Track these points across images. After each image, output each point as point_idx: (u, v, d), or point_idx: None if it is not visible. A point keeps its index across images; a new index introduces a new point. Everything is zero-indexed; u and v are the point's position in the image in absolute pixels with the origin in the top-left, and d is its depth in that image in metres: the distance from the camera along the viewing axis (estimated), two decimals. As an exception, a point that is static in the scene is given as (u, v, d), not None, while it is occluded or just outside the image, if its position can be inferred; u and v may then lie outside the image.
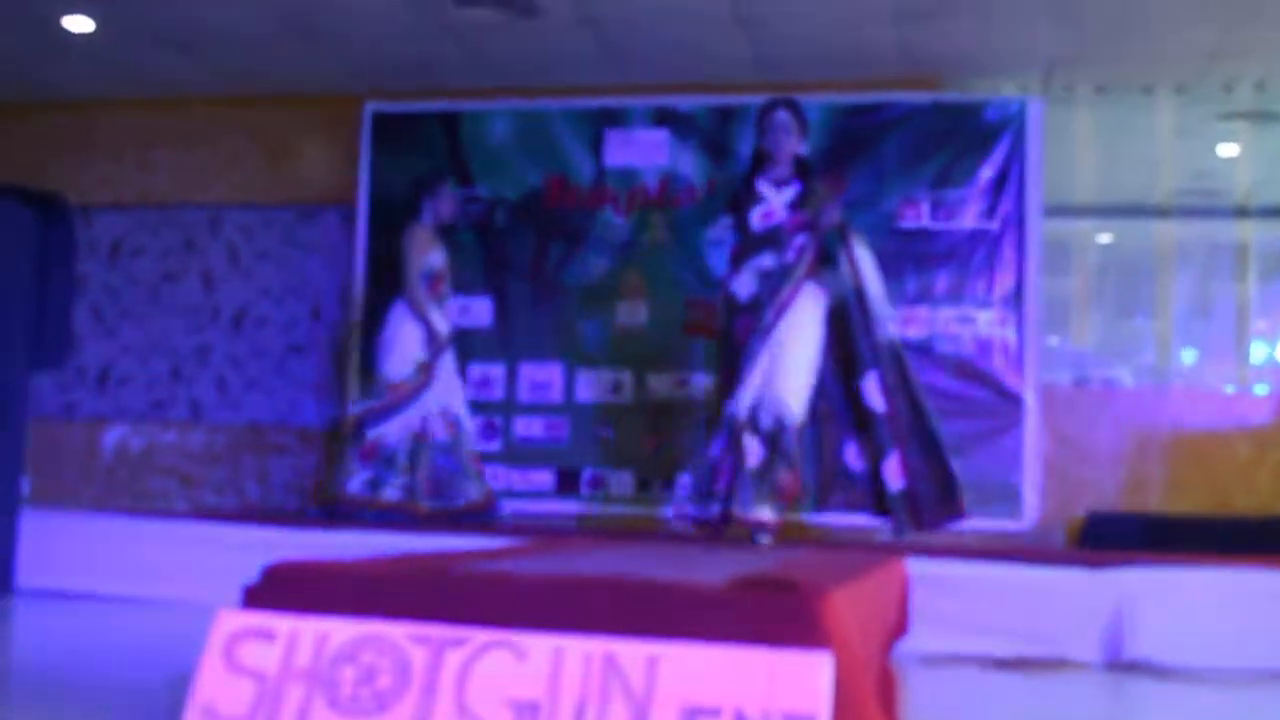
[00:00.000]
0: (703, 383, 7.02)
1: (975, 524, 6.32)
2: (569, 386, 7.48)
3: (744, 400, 5.23)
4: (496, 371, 7.56)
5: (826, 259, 5.44)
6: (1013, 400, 7.00)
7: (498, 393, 7.55)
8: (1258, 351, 9.35)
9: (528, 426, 7.51)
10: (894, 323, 5.57)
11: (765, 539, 5.08)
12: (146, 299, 8.19)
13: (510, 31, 6.93)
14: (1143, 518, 6.87)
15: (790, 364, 5.25)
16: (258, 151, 8.15)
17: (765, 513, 5.09)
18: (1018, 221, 7.14)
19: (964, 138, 7.20)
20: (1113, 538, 6.70)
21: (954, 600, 3.75)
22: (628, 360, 7.41)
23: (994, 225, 7.14)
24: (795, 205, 5.43)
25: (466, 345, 7.57)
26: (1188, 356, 9.39)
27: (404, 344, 6.41)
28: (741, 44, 6.92)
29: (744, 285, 5.43)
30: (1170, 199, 8.71)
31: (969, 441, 6.57)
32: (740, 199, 5.56)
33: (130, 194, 8.27)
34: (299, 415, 7.91)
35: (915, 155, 7.22)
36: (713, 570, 2.66)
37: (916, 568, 3.75)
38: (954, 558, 4.32)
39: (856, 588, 2.48)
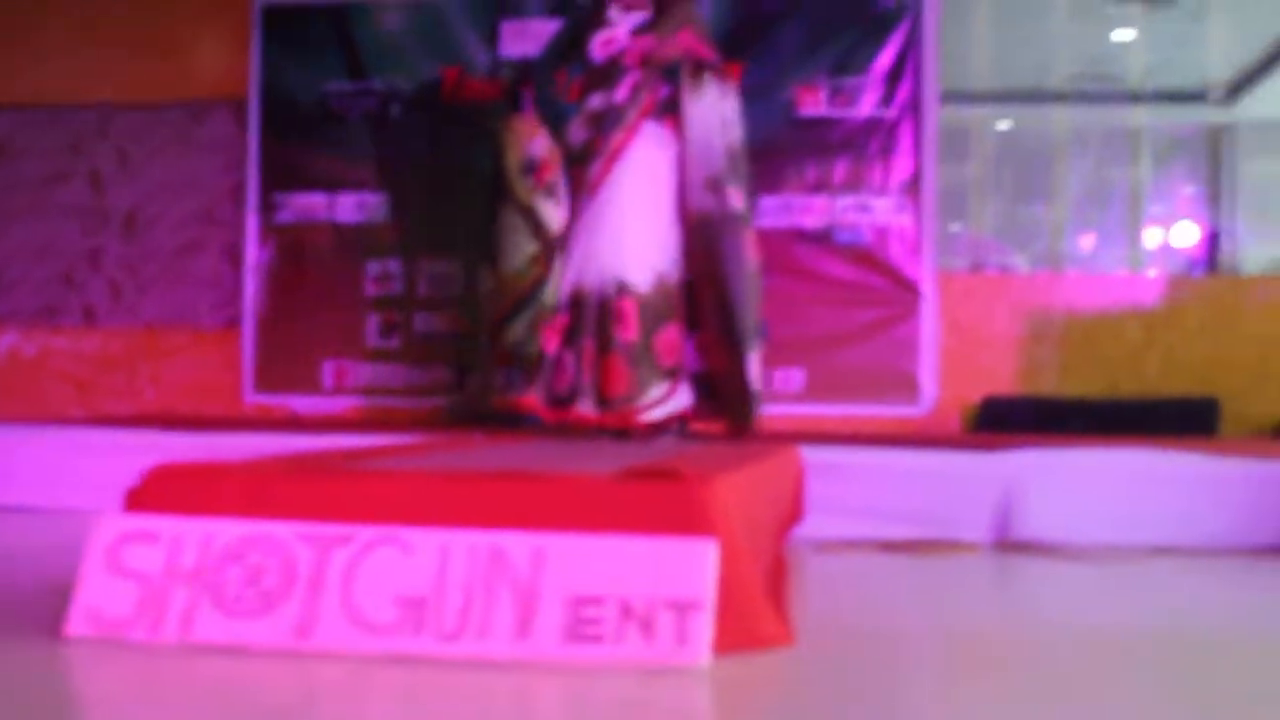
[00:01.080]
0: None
1: (873, 410, 6.43)
2: (468, 280, 7.43)
3: (577, 272, 4.48)
4: (395, 266, 7.50)
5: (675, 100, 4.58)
6: (910, 288, 7.07)
7: (398, 287, 7.49)
8: (1151, 236, 9.51)
9: (427, 322, 7.47)
10: (723, 188, 4.50)
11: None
12: (32, 202, 8.00)
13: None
14: (1036, 401, 7.00)
15: (617, 225, 4.43)
16: (145, 48, 7.93)
17: (579, 407, 4.41)
18: (914, 108, 7.16)
19: (861, 24, 7.17)
20: (1007, 421, 6.83)
21: (848, 486, 3.81)
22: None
23: (891, 113, 7.16)
24: (638, 32, 4.60)
25: (364, 241, 7.53)
26: (1084, 242, 9.52)
27: (512, 239, 6.27)
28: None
29: (575, 133, 4.61)
30: (1065, 84, 8.77)
31: (867, 330, 6.65)
32: (584, 26, 4.70)
33: (11, 93, 8.03)
34: (194, 316, 7.80)
35: (813, 42, 7.19)
36: (602, 462, 2.68)
37: (811, 455, 3.79)
38: (848, 445, 4.38)
39: (744, 476, 2.51)
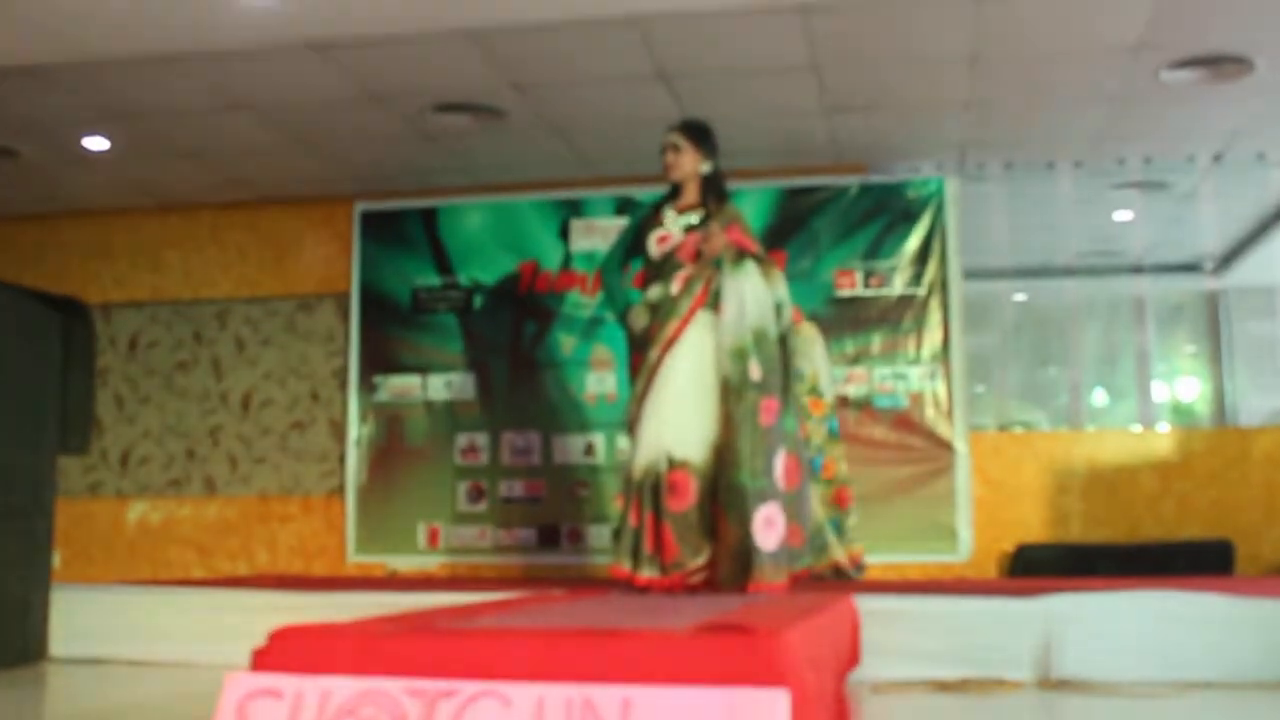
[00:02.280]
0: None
1: (917, 558, 6.35)
2: (546, 451, 7.46)
3: (637, 456, 4.51)
4: (481, 439, 7.54)
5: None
6: (945, 447, 7.02)
7: (484, 458, 7.52)
8: (1158, 391, 9.44)
9: (510, 488, 7.48)
10: (746, 359, 4.45)
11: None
12: (162, 386, 8.14)
13: (482, 135, 6.95)
14: (1064, 547, 6.88)
15: (670, 404, 4.46)
16: (260, 250, 8.14)
17: (644, 572, 4.38)
18: (941, 285, 7.18)
19: (889, 214, 7.27)
20: (1039, 566, 6.71)
21: (900, 631, 3.73)
22: (598, 425, 7.40)
23: (921, 290, 7.19)
24: (689, 230, 4.68)
25: (454, 417, 7.58)
26: (1097, 399, 9.46)
27: None
28: (688, 139, 6.98)
29: (638, 319, 4.71)
30: (1074, 260, 8.81)
31: (908, 485, 6.60)
32: (644, 227, 4.80)
33: (144, 292, 8.24)
34: (302, 486, 7.85)
35: (847, 231, 7.28)
36: (678, 617, 2.64)
37: (864, 604, 3.73)
38: (898, 592, 4.31)
39: (808, 626, 2.47)
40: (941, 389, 7.08)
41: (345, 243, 7.97)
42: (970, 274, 7.41)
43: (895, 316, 7.18)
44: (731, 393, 4.41)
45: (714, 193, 4.76)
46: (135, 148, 7.17)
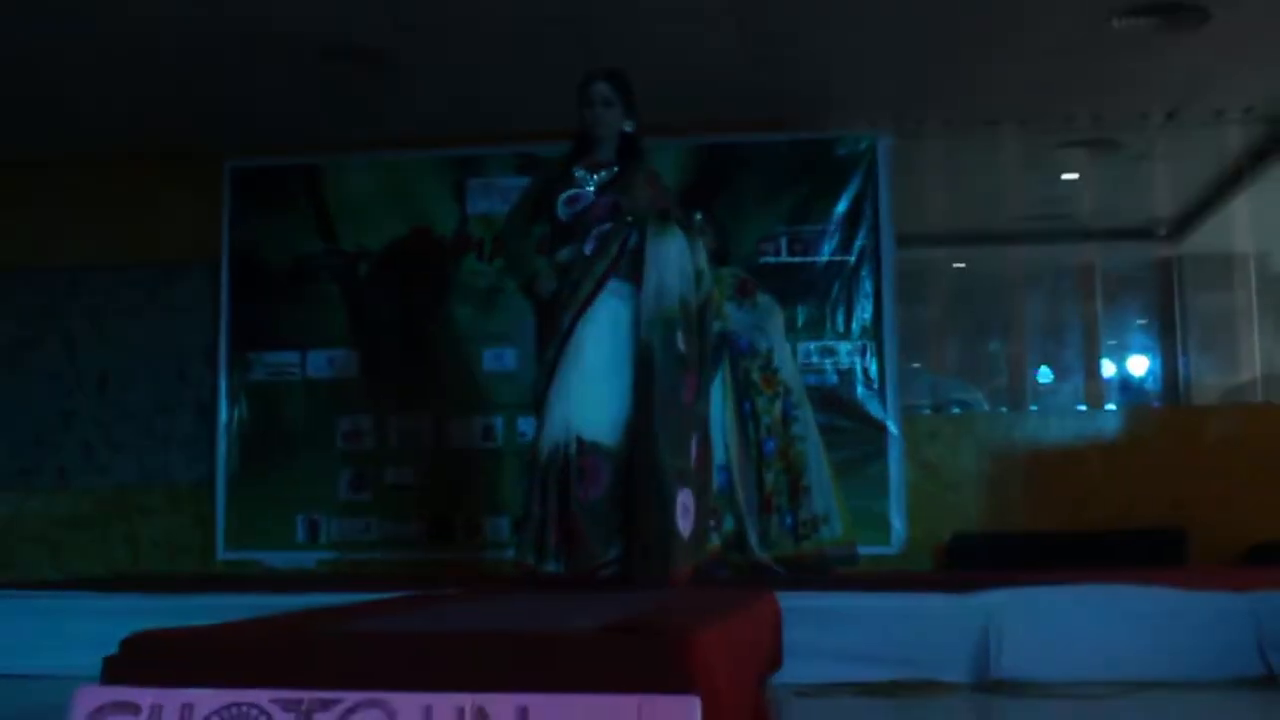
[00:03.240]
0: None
1: (857, 547, 6.39)
2: (438, 434, 7.42)
3: (546, 431, 4.44)
4: (366, 422, 7.48)
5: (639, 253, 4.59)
6: (877, 428, 7.09)
7: (369, 443, 7.47)
8: (1108, 368, 9.60)
9: (399, 475, 7.44)
10: (673, 329, 4.44)
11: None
12: (5, 365, 7.96)
13: (369, 84, 6.87)
14: (1005, 537, 6.98)
15: (581, 380, 4.43)
16: (117, 211, 7.97)
17: (549, 565, 4.34)
18: (873, 253, 7.24)
19: (817, 174, 7.31)
20: (976, 557, 6.81)
21: (825, 631, 3.77)
22: (497, 406, 7.37)
23: (850, 258, 7.24)
24: (605, 188, 4.74)
25: (337, 397, 7.51)
26: (1041, 377, 9.60)
27: None
28: (597, 89, 6.96)
29: (544, 284, 4.69)
30: (1018, 225, 8.91)
31: (838, 471, 6.60)
32: (553, 186, 4.81)
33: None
34: (166, 475, 7.74)
35: (771, 192, 7.31)
36: (584, 616, 2.64)
37: (787, 601, 3.76)
38: (824, 589, 4.35)
39: (726, 627, 2.48)
40: (873, 366, 7.15)
41: (215, 204, 7.83)
42: (905, 240, 7.48)
43: (823, 286, 7.23)
44: (654, 365, 4.37)
45: (632, 151, 4.83)
46: (-27, 94, 7.00)
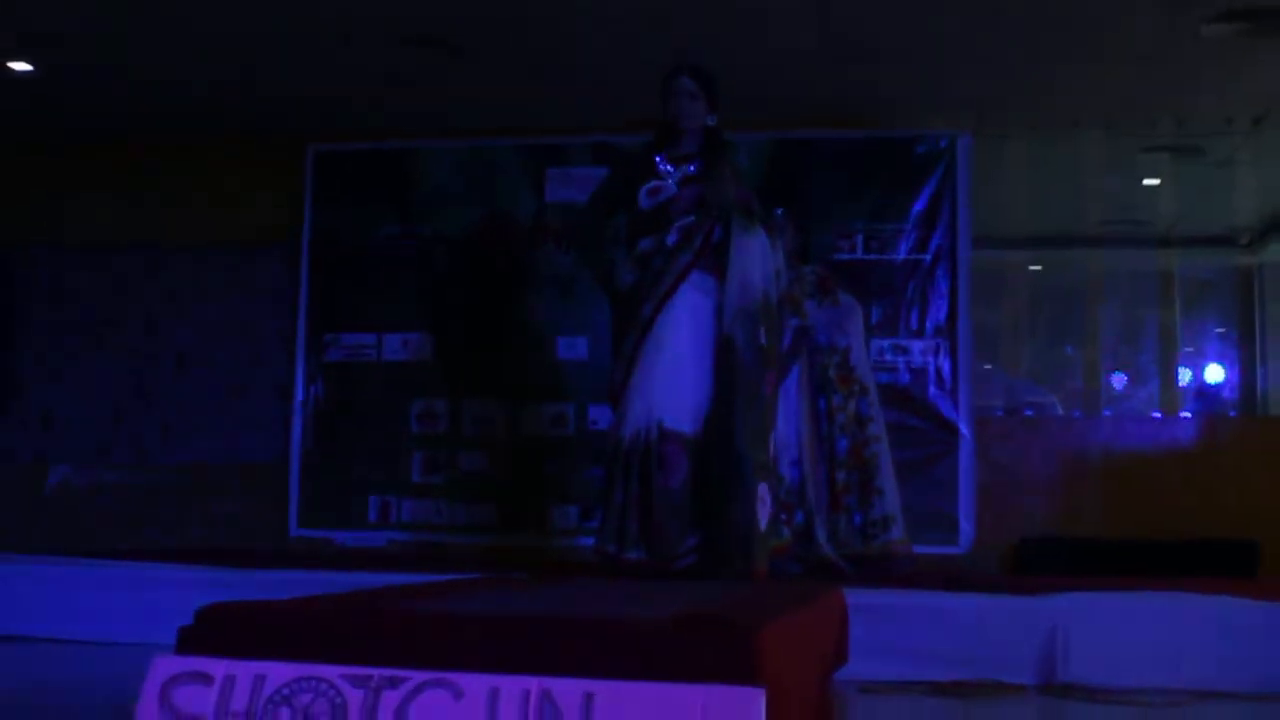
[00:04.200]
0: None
1: (915, 549, 6.35)
2: (511, 420, 7.45)
3: (629, 418, 4.46)
4: (440, 406, 7.53)
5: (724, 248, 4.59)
6: (948, 428, 7.04)
7: (442, 426, 7.51)
8: (1184, 376, 9.46)
9: (471, 460, 7.47)
10: (756, 324, 4.48)
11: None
12: (87, 341, 8.07)
13: (451, 72, 6.90)
14: (1074, 542, 6.91)
15: (664, 368, 4.43)
16: (199, 193, 8.06)
17: (631, 553, 4.36)
18: (949, 253, 7.19)
19: (896, 173, 7.26)
20: (1045, 561, 6.74)
21: (892, 629, 3.75)
22: (570, 394, 7.39)
23: (927, 257, 7.19)
24: (689, 180, 4.72)
25: (411, 380, 7.56)
26: (1116, 382, 9.48)
27: None
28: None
29: (624, 275, 4.70)
30: (1097, 229, 8.80)
31: (907, 469, 6.56)
32: (634, 177, 4.81)
33: (71, 236, 8.16)
34: (243, 455, 7.82)
35: (849, 190, 7.27)
36: (653, 606, 2.64)
37: (854, 598, 3.74)
38: (892, 587, 4.33)
39: (792, 621, 2.47)
40: (946, 365, 7.10)
41: (296, 187, 7.90)
42: (982, 241, 7.41)
43: (898, 284, 7.19)
44: (736, 357, 4.39)
45: (714, 145, 4.81)
46: (62, 73, 7.10)
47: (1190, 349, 9.54)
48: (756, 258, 4.51)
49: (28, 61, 6.98)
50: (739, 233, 4.52)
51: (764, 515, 4.36)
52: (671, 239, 4.58)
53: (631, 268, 4.64)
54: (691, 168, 4.72)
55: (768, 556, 4.45)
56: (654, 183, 4.70)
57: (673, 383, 4.40)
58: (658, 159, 4.76)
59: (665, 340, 4.45)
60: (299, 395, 7.71)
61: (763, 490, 4.37)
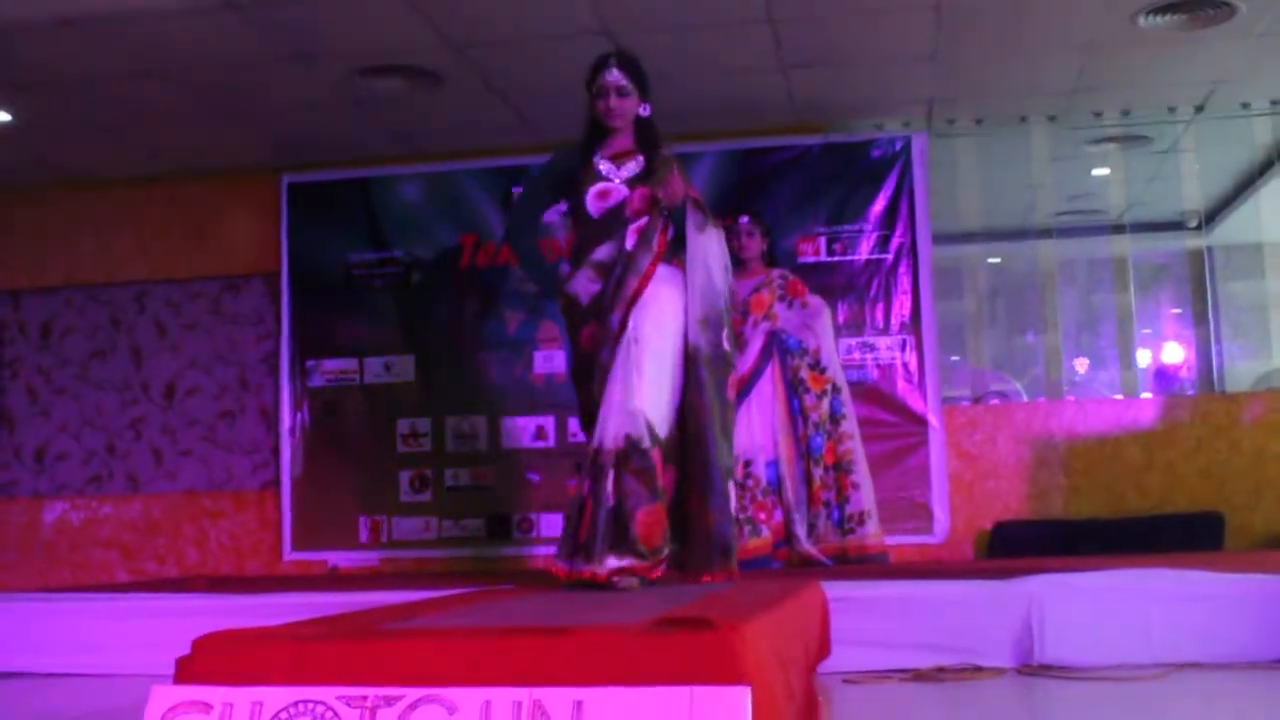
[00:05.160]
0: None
1: (891, 541, 6.38)
2: (493, 435, 7.44)
3: (608, 428, 4.14)
4: (424, 425, 7.51)
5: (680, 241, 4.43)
6: (918, 421, 7.06)
7: (427, 444, 7.50)
8: (1142, 357, 9.50)
9: (456, 476, 7.46)
10: (719, 328, 4.37)
11: (629, 582, 4.01)
12: (77, 377, 8.05)
13: (417, 99, 6.89)
14: (1046, 524, 6.94)
15: (646, 369, 4.17)
16: (180, 227, 8.05)
17: (610, 561, 3.99)
18: (910, 250, 7.21)
19: (854, 175, 7.27)
20: (1019, 545, 6.77)
21: (873, 619, 3.75)
22: (549, 406, 7.38)
23: (888, 255, 7.21)
24: (637, 180, 4.44)
25: (395, 401, 7.55)
26: (1078, 367, 9.52)
27: None
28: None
29: (583, 285, 4.42)
30: (1051, 220, 8.83)
31: (880, 463, 6.59)
32: (576, 180, 4.49)
33: (56, 276, 8.14)
34: (233, 479, 7.80)
35: (809, 194, 7.28)
36: (637, 611, 2.64)
37: (834, 590, 3.75)
38: (870, 578, 4.34)
39: (774, 619, 2.48)
40: (912, 360, 7.12)
41: (273, 217, 7.89)
42: (941, 237, 7.43)
43: (862, 284, 7.20)
44: (704, 364, 4.27)
45: (651, 138, 4.54)
46: (40, 120, 7.07)
47: (1148, 331, 9.59)
48: (715, 258, 4.37)
49: (6, 111, 6.95)
50: (695, 231, 4.37)
51: (734, 517, 4.44)
52: (630, 243, 4.34)
53: (593, 276, 4.38)
54: (635, 166, 4.47)
55: (738, 557, 4.44)
56: (600, 185, 4.44)
57: (654, 385, 4.18)
58: (598, 161, 4.49)
59: (643, 344, 4.19)
60: (286, 421, 7.68)
61: (732, 493, 4.39)
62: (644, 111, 4.50)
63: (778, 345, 6.06)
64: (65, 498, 7.98)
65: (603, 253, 4.37)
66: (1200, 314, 9.44)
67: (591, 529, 4.05)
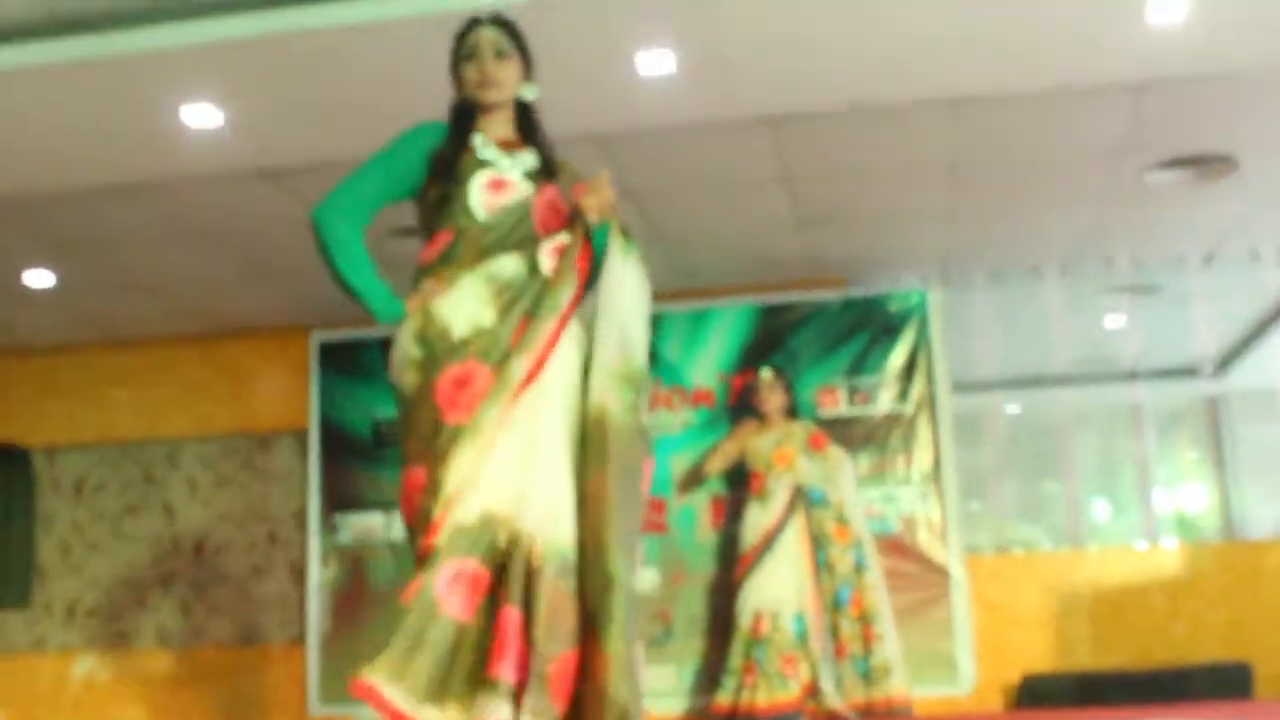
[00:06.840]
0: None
1: (917, 692, 6.22)
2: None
3: (494, 502, 2.78)
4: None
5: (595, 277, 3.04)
6: (940, 572, 6.91)
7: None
8: (1161, 501, 9.39)
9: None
10: (639, 392, 2.93)
11: None
12: (110, 532, 8.00)
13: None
14: (1073, 676, 6.74)
15: (550, 456, 2.82)
16: (214, 385, 8.06)
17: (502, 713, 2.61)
18: (930, 401, 7.13)
19: (872, 328, 7.23)
20: (1047, 697, 6.58)
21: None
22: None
23: (908, 407, 7.13)
24: (538, 176, 3.10)
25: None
26: (1098, 512, 9.40)
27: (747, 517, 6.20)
28: (658, 256, 6.95)
29: (466, 308, 3.00)
30: (1067, 369, 8.81)
31: (903, 615, 6.45)
32: (449, 166, 3.09)
33: (92, 433, 8.14)
34: (260, 634, 7.69)
35: (828, 348, 7.23)
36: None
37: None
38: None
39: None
40: (934, 510, 6.98)
41: (303, 375, 7.88)
42: (959, 387, 7.38)
43: (882, 436, 7.11)
44: (612, 438, 2.83)
45: (538, 130, 3.19)
46: (82, 281, 7.13)
47: (1166, 475, 9.49)
48: (638, 296, 3.01)
49: (52, 272, 7.01)
50: (617, 258, 2.99)
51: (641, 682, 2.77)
52: (546, 266, 3.01)
53: (483, 297, 2.97)
54: (530, 159, 3.13)
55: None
56: (489, 175, 3.06)
57: (557, 482, 2.82)
58: (479, 145, 3.09)
59: (545, 415, 2.86)
60: (314, 576, 7.58)
61: (639, 653, 2.82)
62: (529, 94, 3.17)
63: (803, 499, 6.01)
64: (93, 652, 7.85)
65: (502, 268, 3.00)
66: (1217, 458, 9.36)
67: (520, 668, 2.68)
